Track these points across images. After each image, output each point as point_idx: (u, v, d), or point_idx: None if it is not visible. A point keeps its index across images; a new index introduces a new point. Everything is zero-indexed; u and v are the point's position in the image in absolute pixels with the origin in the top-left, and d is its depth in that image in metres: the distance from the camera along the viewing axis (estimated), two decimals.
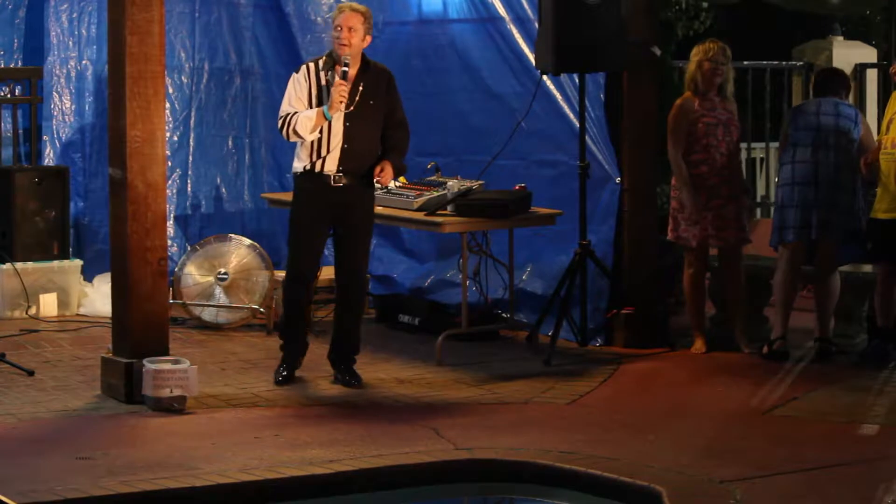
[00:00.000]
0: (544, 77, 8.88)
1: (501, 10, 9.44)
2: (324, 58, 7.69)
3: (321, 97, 7.59)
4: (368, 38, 7.65)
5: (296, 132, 7.52)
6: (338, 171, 7.61)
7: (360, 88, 7.60)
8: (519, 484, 6.21)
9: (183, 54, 10.41)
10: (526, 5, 9.26)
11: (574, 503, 6.06)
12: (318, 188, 7.62)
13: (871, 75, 13.24)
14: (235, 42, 10.60)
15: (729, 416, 7.14)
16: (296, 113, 7.54)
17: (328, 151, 7.59)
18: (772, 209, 12.52)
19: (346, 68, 7.49)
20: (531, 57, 8.93)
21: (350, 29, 7.52)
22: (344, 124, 7.59)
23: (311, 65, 7.67)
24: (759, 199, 12.66)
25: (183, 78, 10.42)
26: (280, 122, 7.61)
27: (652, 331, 8.74)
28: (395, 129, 7.77)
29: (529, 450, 6.38)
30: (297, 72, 7.68)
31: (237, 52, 10.61)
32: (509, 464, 6.24)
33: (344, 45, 7.51)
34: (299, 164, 7.68)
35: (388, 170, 7.65)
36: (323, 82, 7.62)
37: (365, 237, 7.82)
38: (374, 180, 7.75)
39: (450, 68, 9.87)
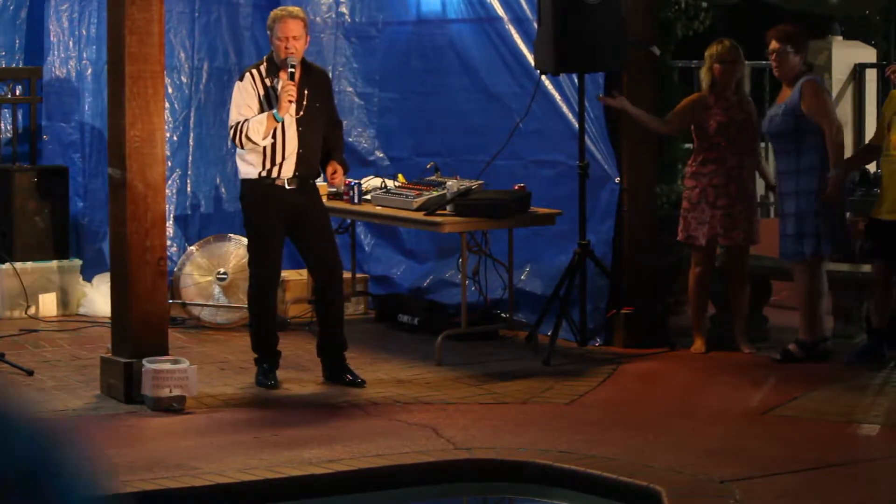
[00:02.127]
0: (543, 77, 8.88)
1: (500, 11, 9.44)
2: (265, 63, 7.73)
3: (270, 102, 7.63)
4: (308, 39, 7.73)
5: (249, 138, 7.56)
6: (294, 175, 7.65)
7: (307, 93, 7.65)
8: (519, 484, 6.21)
9: (182, 54, 10.41)
10: (525, 5, 9.26)
11: (574, 503, 6.06)
12: (272, 193, 7.64)
13: (871, 75, 13.27)
14: (235, 42, 10.60)
15: (729, 416, 7.14)
16: (246, 120, 7.58)
17: (284, 158, 7.63)
18: (772, 209, 12.54)
19: (292, 69, 7.56)
20: (530, 57, 8.93)
21: (295, 38, 7.60)
22: (297, 129, 7.63)
23: (255, 71, 7.71)
24: (758, 200, 12.65)
25: (182, 78, 10.42)
26: (231, 131, 7.65)
27: (652, 331, 8.73)
28: (335, 129, 7.93)
29: (529, 450, 6.38)
30: (240, 80, 7.74)
31: (237, 52, 10.60)
32: (509, 464, 6.24)
33: (291, 53, 7.58)
34: (251, 170, 7.67)
35: (341, 170, 7.80)
36: (270, 88, 7.66)
37: (329, 232, 7.87)
38: (329, 183, 7.90)
39: (448, 68, 9.87)
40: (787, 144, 8.30)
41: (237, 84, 7.72)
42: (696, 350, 8.61)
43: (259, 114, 7.60)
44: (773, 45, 8.31)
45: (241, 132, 7.56)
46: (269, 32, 7.74)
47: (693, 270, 8.66)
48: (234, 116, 7.65)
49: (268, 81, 7.65)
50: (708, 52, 8.62)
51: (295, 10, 7.80)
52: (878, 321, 8.29)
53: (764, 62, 12.35)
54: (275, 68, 7.66)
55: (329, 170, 7.78)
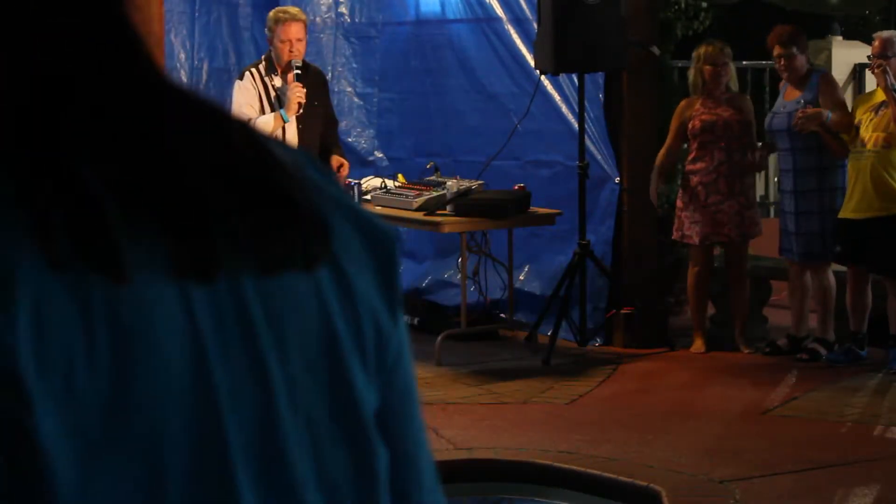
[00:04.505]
0: (542, 77, 8.88)
1: (499, 11, 9.44)
2: (263, 62, 7.82)
3: (270, 101, 7.72)
4: (306, 38, 7.91)
5: None
6: None
7: (306, 91, 7.72)
8: (519, 484, 6.21)
9: (182, 54, 10.41)
10: (524, 5, 9.25)
11: (573, 503, 6.05)
12: None
13: (871, 75, 13.25)
14: (235, 42, 10.59)
15: (729, 416, 7.14)
16: (250, 119, 7.63)
17: None
18: (773, 209, 12.54)
19: (298, 71, 7.69)
20: (528, 57, 8.93)
21: (298, 40, 7.74)
22: (297, 127, 7.74)
23: (254, 70, 7.82)
24: (758, 199, 12.66)
25: (182, 78, 10.41)
26: None
27: (651, 331, 8.73)
28: (332, 127, 8.06)
29: (529, 450, 6.38)
30: (240, 79, 7.85)
31: (237, 52, 10.60)
32: (509, 464, 6.23)
33: (295, 55, 7.69)
34: None
35: (346, 164, 7.96)
36: (270, 87, 7.73)
37: None
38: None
39: (448, 69, 9.87)
40: (808, 141, 8.25)
41: (237, 83, 7.77)
42: (696, 350, 8.61)
43: (259, 111, 7.68)
44: (778, 49, 8.37)
45: None
46: (268, 32, 7.78)
47: (691, 269, 8.67)
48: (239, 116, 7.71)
49: (267, 80, 7.71)
50: (696, 52, 8.64)
51: (295, 10, 7.86)
52: (854, 324, 8.24)
53: (764, 62, 12.35)
54: (273, 67, 7.73)
55: (335, 164, 7.85)
